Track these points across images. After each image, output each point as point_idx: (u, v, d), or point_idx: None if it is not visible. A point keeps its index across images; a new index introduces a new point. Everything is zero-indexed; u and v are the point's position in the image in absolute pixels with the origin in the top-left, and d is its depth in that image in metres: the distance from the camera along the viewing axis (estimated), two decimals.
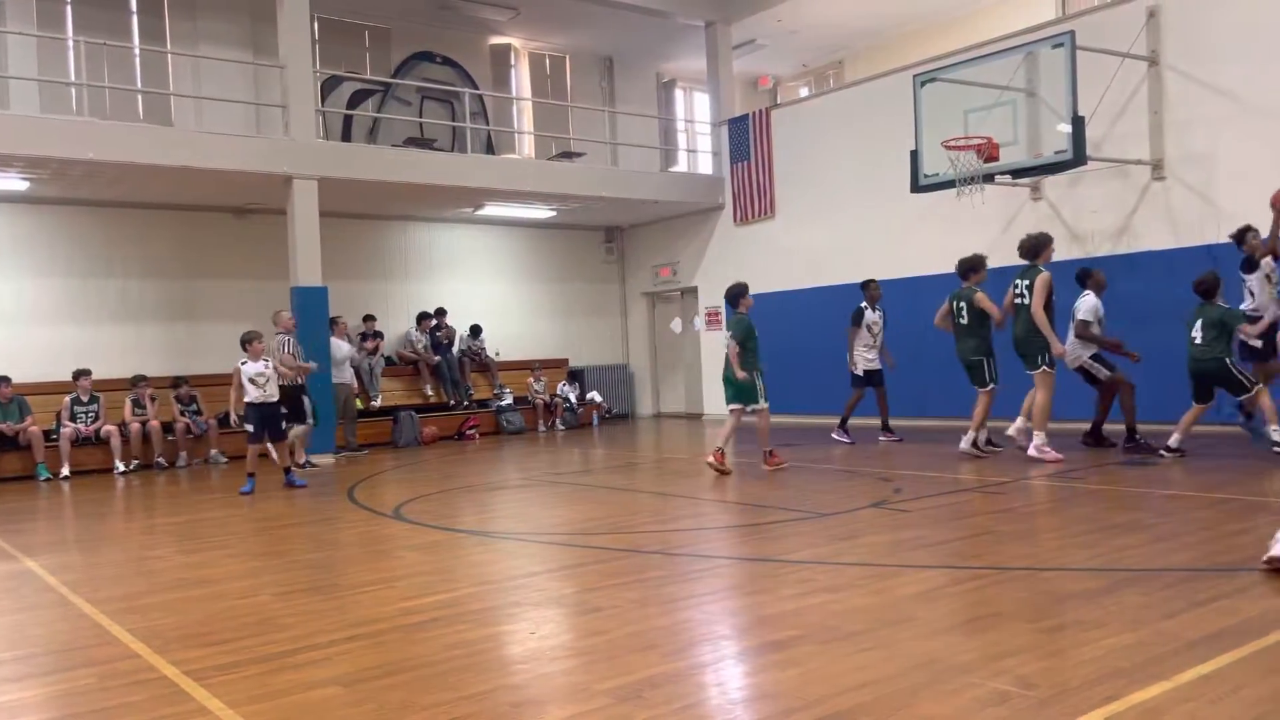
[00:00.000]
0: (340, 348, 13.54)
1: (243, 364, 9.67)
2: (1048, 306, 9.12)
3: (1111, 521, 6.36)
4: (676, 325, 18.06)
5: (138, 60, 13.86)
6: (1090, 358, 9.64)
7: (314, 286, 12.71)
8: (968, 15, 16.26)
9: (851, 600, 4.61)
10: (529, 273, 17.93)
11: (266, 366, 9.73)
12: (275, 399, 9.78)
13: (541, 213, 16.64)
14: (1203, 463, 8.66)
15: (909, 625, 4.10)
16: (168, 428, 12.92)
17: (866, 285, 11.95)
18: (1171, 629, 3.87)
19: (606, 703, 3.33)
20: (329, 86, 15.19)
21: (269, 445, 10.18)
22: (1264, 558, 4.63)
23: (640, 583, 5.12)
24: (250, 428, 9.66)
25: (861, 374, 11.81)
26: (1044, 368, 9.17)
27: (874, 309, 11.84)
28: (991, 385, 9.63)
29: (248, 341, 9.78)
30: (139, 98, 13.63)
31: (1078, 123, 10.27)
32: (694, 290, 17.61)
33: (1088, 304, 9.65)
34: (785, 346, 14.25)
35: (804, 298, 15.15)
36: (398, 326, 16.30)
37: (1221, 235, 10.85)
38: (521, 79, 17.62)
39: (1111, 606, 4.26)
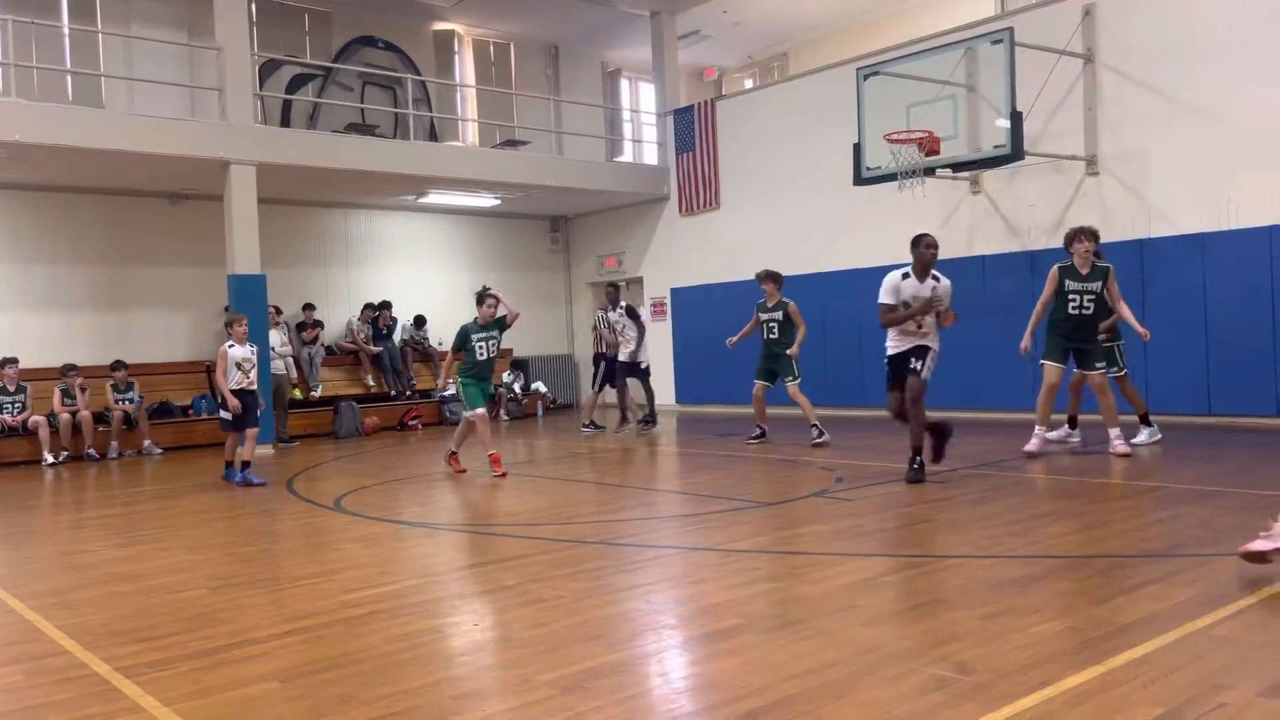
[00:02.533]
0: (272, 337, 13.30)
1: (230, 347, 9.25)
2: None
3: (1045, 510, 6.51)
4: None
5: (67, 40, 13.43)
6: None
7: (252, 274, 12.46)
8: (910, 10, 16.44)
9: (794, 589, 4.65)
10: (473, 261, 17.77)
11: (252, 351, 9.39)
12: (254, 386, 9.46)
13: (486, 201, 16.50)
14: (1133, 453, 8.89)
15: (850, 613, 4.15)
16: (100, 418, 12.58)
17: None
18: (1103, 614, 3.96)
19: (550, 694, 3.32)
20: (267, 70, 14.87)
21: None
22: (1240, 550, 4.49)
23: (584, 573, 5.11)
24: (229, 416, 9.29)
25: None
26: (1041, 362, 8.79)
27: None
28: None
29: (232, 323, 9.39)
30: (68, 78, 13.21)
31: (1016, 118, 10.46)
32: (639, 280, 17.61)
33: None
34: (726, 336, 14.30)
35: (749, 289, 15.21)
36: (339, 315, 16.06)
37: (1152, 230, 11.16)
38: (465, 66, 17.42)
39: (1045, 593, 4.36)
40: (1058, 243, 11.78)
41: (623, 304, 12.86)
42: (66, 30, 13.34)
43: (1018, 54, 10.51)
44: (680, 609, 4.47)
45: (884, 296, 7.51)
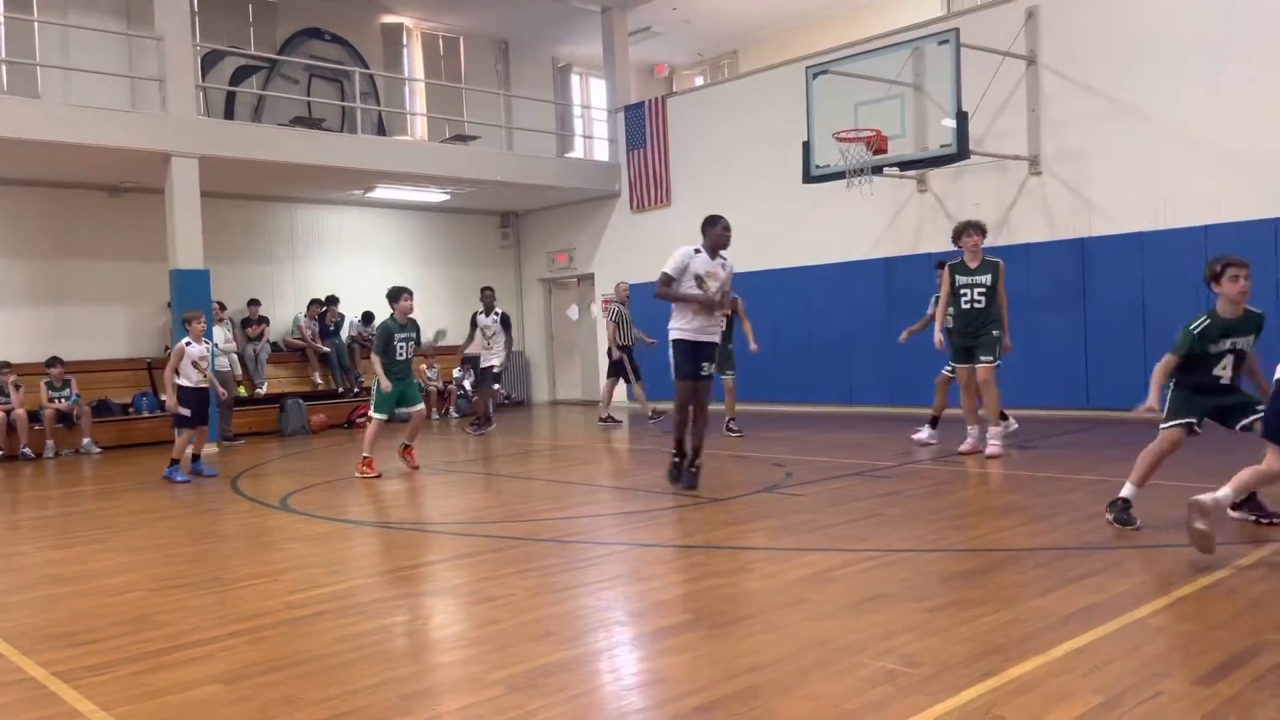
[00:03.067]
0: (216, 334, 13.05)
1: (187, 344, 9.13)
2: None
3: (990, 504, 6.63)
4: (573, 312, 18.00)
5: (1, 27, 13.03)
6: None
7: (195, 269, 12.21)
8: (858, 10, 16.59)
9: (744, 584, 4.67)
10: (422, 257, 17.59)
11: (208, 349, 9.26)
12: (208, 385, 9.40)
13: (435, 196, 16.35)
14: (1074, 448, 9.07)
15: (800, 608, 4.18)
16: (34, 416, 12.25)
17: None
18: (1045, 606, 4.04)
19: (500, 692, 3.30)
20: (210, 61, 14.58)
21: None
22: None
23: (534, 571, 5.09)
24: (187, 412, 9.17)
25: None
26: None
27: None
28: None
29: (190, 320, 9.24)
30: (2, 68, 12.82)
31: (961, 118, 10.61)
32: (590, 277, 17.58)
33: None
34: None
35: None
36: (285, 311, 15.80)
37: (1093, 229, 11.39)
38: (414, 59, 17.23)
39: (990, 585, 4.43)
40: (1002, 241, 12.03)
41: (497, 310, 12.83)
42: (1, 18, 12.95)
43: (963, 55, 10.67)
44: (630, 605, 4.47)
45: (669, 266, 7.11)
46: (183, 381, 9.16)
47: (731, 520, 6.33)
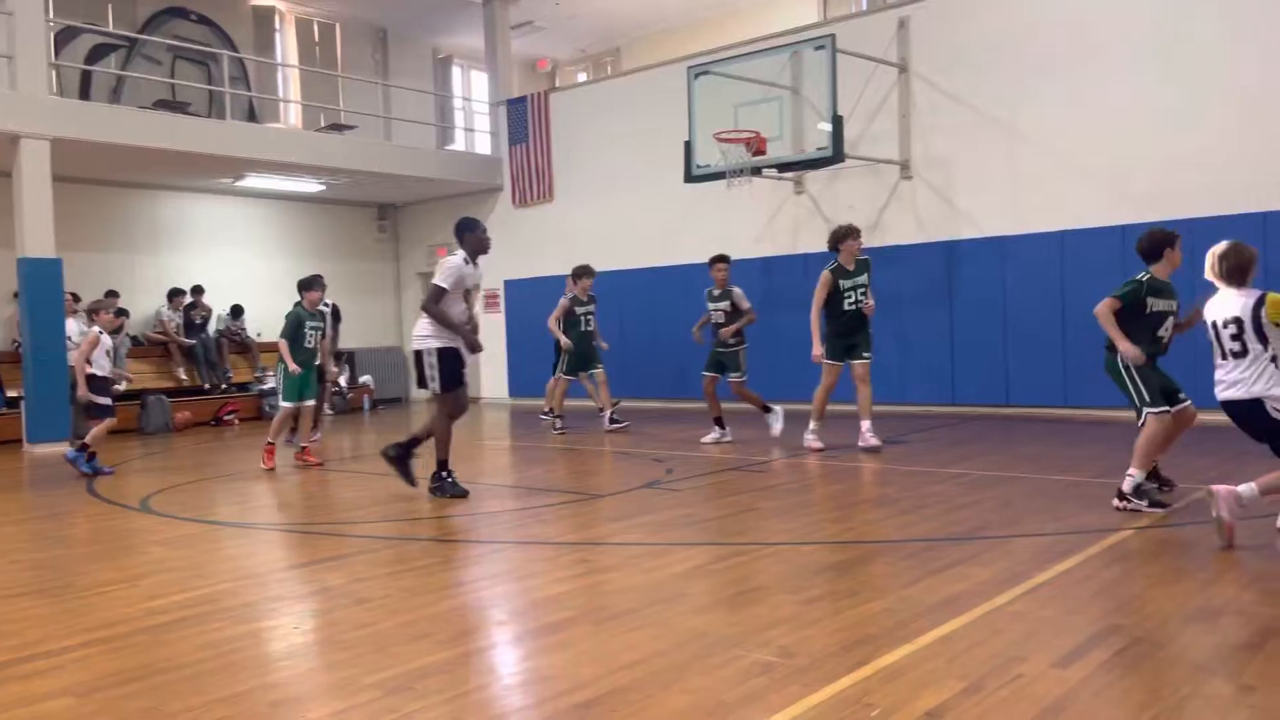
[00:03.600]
0: (69, 326, 12.33)
1: (99, 333, 8.87)
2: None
3: (861, 497, 6.83)
4: None
5: None
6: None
7: (45, 258, 11.51)
8: (739, 12, 16.85)
9: (624, 580, 4.68)
10: (295, 249, 17.02)
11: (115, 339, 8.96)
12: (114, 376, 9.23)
13: (309, 186, 15.84)
14: (940, 442, 9.43)
15: (679, 602, 4.22)
16: None
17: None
18: (914, 595, 4.19)
19: (374, 696, 3.22)
20: (64, 38, 13.76)
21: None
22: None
23: (411, 571, 4.99)
24: (108, 401, 9.01)
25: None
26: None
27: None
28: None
29: (99, 310, 9.04)
30: None
31: (837, 122, 10.89)
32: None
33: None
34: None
35: None
36: (146, 304, 15.05)
37: (960, 233, 11.87)
38: (287, 44, 16.65)
39: (861, 577, 4.56)
40: (876, 241, 12.41)
41: (327, 301, 11.09)
42: None
43: (839, 60, 10.95)
44: (510, 604, 4.43)
45: (444, 280, 6.89)
46: (95, 371, 8.87)
47: (612, 516, 6.34)
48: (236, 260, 16.20)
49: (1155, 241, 5.79)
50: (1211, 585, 4.19)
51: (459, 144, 18.35)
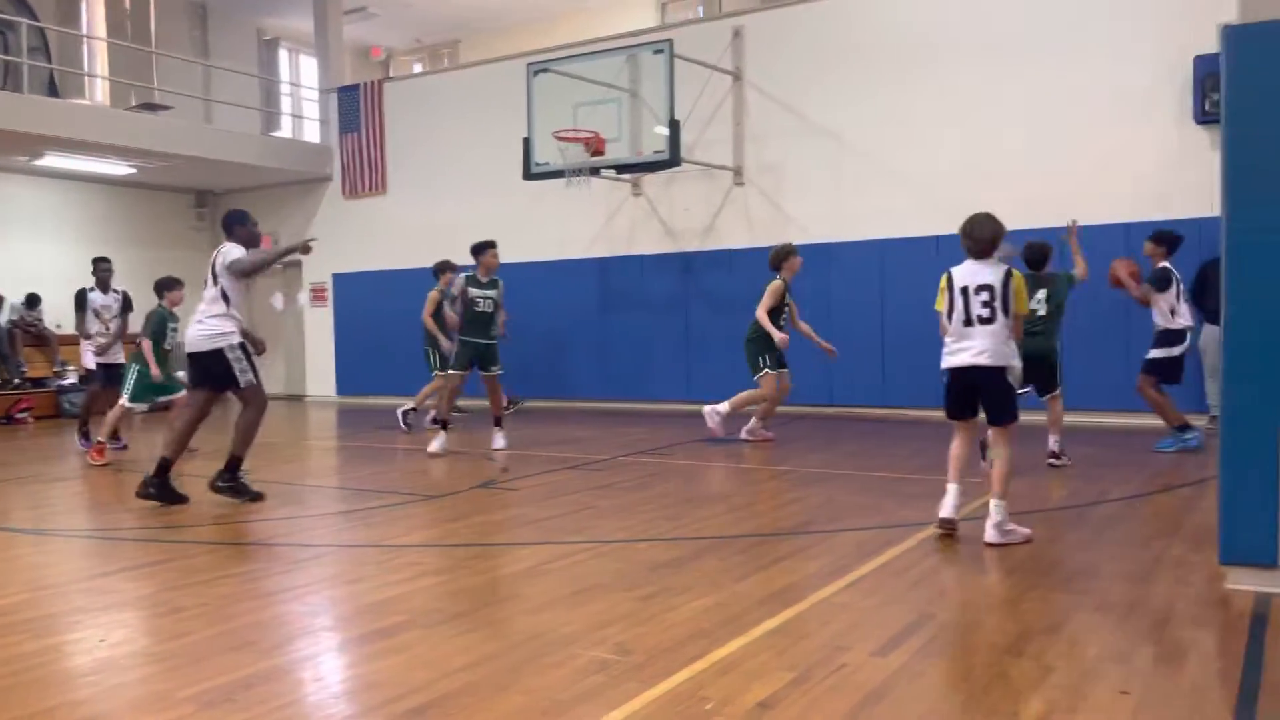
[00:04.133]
0: None
1: None
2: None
3: (695, 494, 6.97)
4: (278, 301, 16.98)
5: None
6: None
7: None
8: (580, 12, 16.87)
9: (458, 581, 4.61)
10: (102, 236, 15.86)
11: None
12: None
13: (118, 169, 14.81)
14: (771, 440, 9.74)
15: (514, 602, 4.19)
16: None
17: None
18: (745, 589, 4.30)
19: (190, 710, 3.04)
20: None
21: None
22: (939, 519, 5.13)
23: (231, 578, 4.75)
24: None
25: None
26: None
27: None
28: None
29: None
30: None
31: (674, 126, 11.08)
32: (298, 264, 16.65)
33: None
34: (391, 325, 13.98)
35: (415, 276, 14.92)
36: None
37: (789, 238, 12.29)
38: (94, 16, 15.46)
39: (695, 573, 4.65)
40: (711, 245, 12.70)
41: (116, 289, 10.46)
42: None
43: (677, 66, 11.14)
44: (339, 609, 4.28)
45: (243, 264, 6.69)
46: None
47: (446, 518, 6.22)
48: (34, 246, 14.98)
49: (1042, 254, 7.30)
50: (1014, 574, 4.50)
51: (285, 130, 17.59)
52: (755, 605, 4.04)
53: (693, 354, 12.72)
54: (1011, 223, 10.52)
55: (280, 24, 17.68)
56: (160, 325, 9.12)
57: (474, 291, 9.12)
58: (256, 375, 6.75)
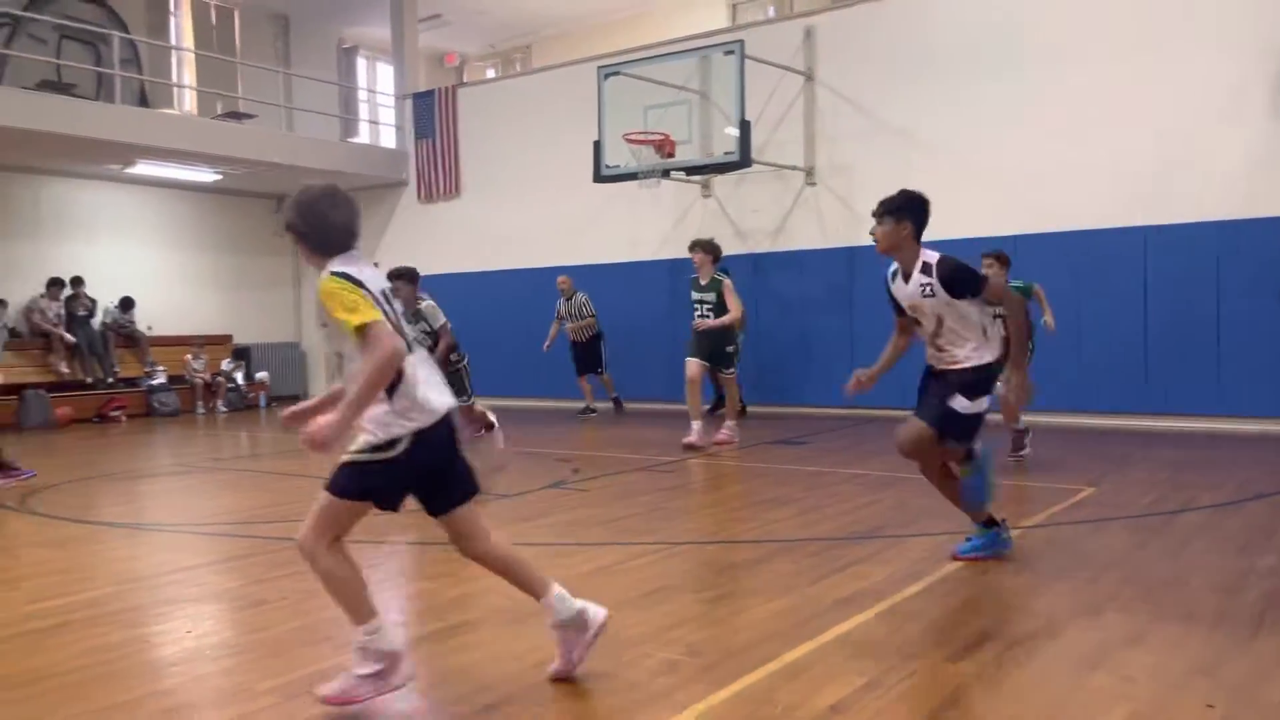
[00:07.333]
0: None
1: None
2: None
3: (765, 497, 6.93)
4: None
5: None
6: None
7: None
8: (650, 14, 16.92)
9: None
10: (189, 240, 16.44)
11: None
12: None
13: (205, 176, 15.30)
14: (840, 443, 9.64)
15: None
16: None
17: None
18: (816, 593, 4.27)
19: (272, 702, 3.13)
20: None
21: None
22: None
23: (309, 573, 4.85)
24: None
25: None
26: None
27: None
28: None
29: None
30: None
31: (745, 127, 11.04)
32: (375, 266, 16.99)
33: None
34: (470, 328, 14.16)
35: (489, 278, 15.13)
36: (25, 294, 14.32)
37: (861, 239, 12.15)
38: (183, 28, 16.06)
39: (766, 575, 4.63)
40: (781, 245, 12.63)
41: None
42: None
43: (747, 66, 11.09)
44: (415, 605, 4.36)
45: None
46: None
47: (518, 516, 6.29)
48: (125, 250, 15.56)
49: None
50: (1094, 583, 4.38)
51: (363, 137, 17.99)
52: (827, 609, 4.00)
53: (762, 355, 12.66)
54: (1088, 224, 10.37)
55: (358, 32, 18.08)
56: None
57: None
58: None
